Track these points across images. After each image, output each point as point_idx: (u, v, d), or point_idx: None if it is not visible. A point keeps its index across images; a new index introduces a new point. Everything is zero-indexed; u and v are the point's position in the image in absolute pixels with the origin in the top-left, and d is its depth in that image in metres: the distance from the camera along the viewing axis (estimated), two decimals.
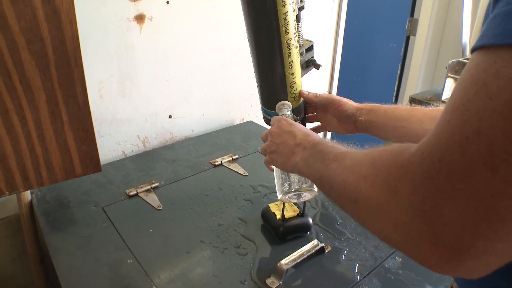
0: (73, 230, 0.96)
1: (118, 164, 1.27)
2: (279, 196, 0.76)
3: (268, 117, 0.88)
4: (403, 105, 0.82)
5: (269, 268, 0.85)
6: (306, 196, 0.77)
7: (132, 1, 1.18)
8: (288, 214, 0.94)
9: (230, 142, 1.43)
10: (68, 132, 0.81)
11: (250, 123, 1.63)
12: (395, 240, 0.39)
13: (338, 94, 2.12)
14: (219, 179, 1.19)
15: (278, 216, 0.94)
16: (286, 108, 0.83)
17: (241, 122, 1.64)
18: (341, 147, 0.56)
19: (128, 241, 0.92)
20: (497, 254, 0.32)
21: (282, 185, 0.75)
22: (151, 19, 1.24)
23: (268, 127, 0.84)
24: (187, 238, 0.94)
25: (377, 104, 0.83)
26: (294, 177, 0.75)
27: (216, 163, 1.26)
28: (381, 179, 0.41)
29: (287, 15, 0.75)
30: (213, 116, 1.56)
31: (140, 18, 1.22)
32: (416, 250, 0.37)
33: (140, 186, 1.12)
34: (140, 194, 1.10)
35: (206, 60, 1.45)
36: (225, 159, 1.28)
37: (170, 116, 1.42)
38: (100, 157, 0.96)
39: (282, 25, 0.75)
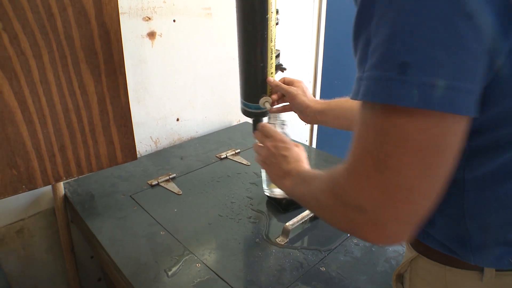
0: (109, 213, 1.15)
1: (136, 162, 1.45)
2: (265, 191, 0.99)
3: (249, 110, 1.06)
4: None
5: (277, 230, 1.05)
6: None
7: (145, 20, 1.39)
8: None
9: (231, 139, 1.64)
10: (113, 127, 1.01)
11: (246, 123, 1.84)
12: (344, 228, 0.55)
13: (321, 95, 2.33)
14: (226, 169, 1.39)
15: None
16: (278, 121, 0.98)
17: (238, 123, 1.85)
18: (315, 172, 0.70)
19: (158, 218, 1.11)
20: (397, 226, 0.47)
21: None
22: (161, 35, 1.45)
23: (246, 118, 1.05)
24: (206, 213, 1.14)
25: (328, 102, 0.98)
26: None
27: (221, 157, 1.47)
28: (328, 191, 0.55)
29: (273, 26, 0.96)
30: (214, 119, 1.76)
31: (151, 34, 1.42)
32: (357, 232, 0.51)
33: (159, 177, 1.31)
34: (161, 184, 1.29)
35: (207, 70, 1.65)
36: (229, 153, 1.49)
37: (177, 119, 1.62)
38: None
39: (269, 35, 0.97)
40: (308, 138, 2.35)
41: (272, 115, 0.98)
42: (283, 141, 0.83)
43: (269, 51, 0.99)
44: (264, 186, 0.96)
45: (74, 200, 1.23)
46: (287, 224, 1.03)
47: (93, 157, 1.02)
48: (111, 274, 1.02)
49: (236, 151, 1.50)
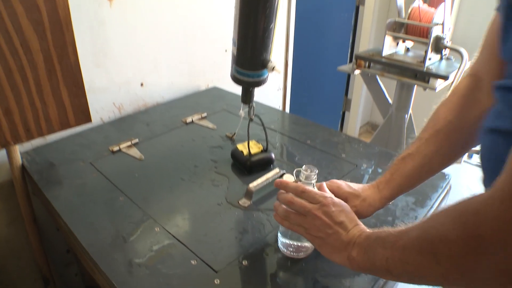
0: (67, 181, 1.10)
1: (98, 129, 1.40)
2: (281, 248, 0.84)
3: (248, 79, 0.94)
4: (404, 156, 0.82)
5: (241, 192, 1.02)
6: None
7: None
8: (254, 150, 1.11)
9: (198, 104, 1.59)
10: (63, 88, 0.95)
11: (215, 88, 1.78)
12: (496, 280, 0.40)
13: (294, 60, 2.28)
14: (191, 133, 1.35)
15: (245, 153, 1.11)
16: (314, 174, 0.78)
17: (207, 88, 1.80)
18: (392, 229, 0.58)
19: (118, 184, 1.07)
20: None
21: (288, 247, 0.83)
22: None
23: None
24: (168, 178, 1.10)
25: (390, 177, 0.82)
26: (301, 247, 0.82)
27: (187, 121, 1.42)
28: (459, 232, 0.41)
29: None
30: (181, 84, 1.70)
31: None
32: None
33: (121, 143, 1.26)
34: (122, 150, 1.24)
35: (172, 33, 1.58)
36: (195, 117, 1.44)
37: (142, 84, 1.55)
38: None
39: None
40: (281, 104, 2.31)
41: (303, 168, 0.78)
42: (334, 204, 0.69)
43: (278, 11, 0.88)
44: (281, 245, 0.84)
45: (31, 169, 1.17)
46: (250, 185, 0.99)
47: (43, 120, 0.96)
48: (70, 243, 0.98)
49: (203, 115, 1.45)
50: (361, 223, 0.69)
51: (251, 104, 1.03)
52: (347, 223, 0.67)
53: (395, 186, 0.81)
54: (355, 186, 0.85)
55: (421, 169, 0.78)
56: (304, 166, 0.77)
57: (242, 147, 1.13)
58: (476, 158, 2.47)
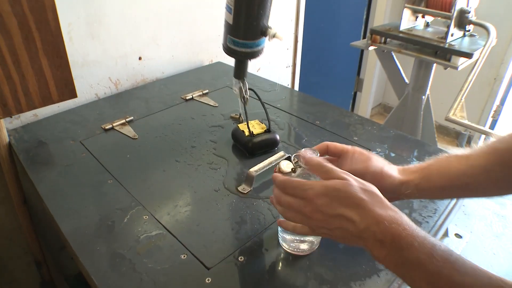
0: (54, 161, 1.01)
1: (92, 105, 1.31)
2: (282, 244, 0.75)
3: (246, 50, 0.85)
4: (449, 155, 0.70)
5: (241, 177, 0.92)
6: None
7: None
8: (256, 131, 1.01)
9: (200, 80, 1.48)
10: (43, 58, 0.85)
11: (219, 63, 1.67)
12: None
13: (304, 36, 2.15)
14: (191, 111, 1.24)
15: (247, 133, 1.00)
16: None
17: (210, 63, 1.69)
18: (430, 245, 0.49)
19: (107, 166, 0.98)
20: None
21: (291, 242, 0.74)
22: None
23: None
24: (162, 159, 1.00)
25: (426, 166, 0.69)
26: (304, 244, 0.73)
27: (187, 98, 1.32)
28: None
29: None
30: (182, 58, 1.59)
31: None
32: None
33: (115, 121, 1.16)
34: (115, 128, 1.14)
35: (173, 2, 1.47)
36: (196, 93, 1.34)
37: (140, 58, 1.45)
38: (73, 100, 0.99)
39: None
40: (290, 82, 2.19)
41: (303, 153, 0.65)
42: (318, 196, 0.57)
43: None
44: (282, 240, 0.75)
45: (18, 148, 1.09)
46: (251, 170, 0.89)
47: (22, 95, 0.86)
48: (55, 228, 0.89)
49: (204, 92, 1.35)
50: (373, 206, 0.55)
51: (244, 80, 0.93)
52: (348, 214, 0.54)
53: (425, 177, 0.67)
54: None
55: (461, 177, 0.65)
56: (303, 150, 0.66)
57: (243, 126, 1.03)
58: None
